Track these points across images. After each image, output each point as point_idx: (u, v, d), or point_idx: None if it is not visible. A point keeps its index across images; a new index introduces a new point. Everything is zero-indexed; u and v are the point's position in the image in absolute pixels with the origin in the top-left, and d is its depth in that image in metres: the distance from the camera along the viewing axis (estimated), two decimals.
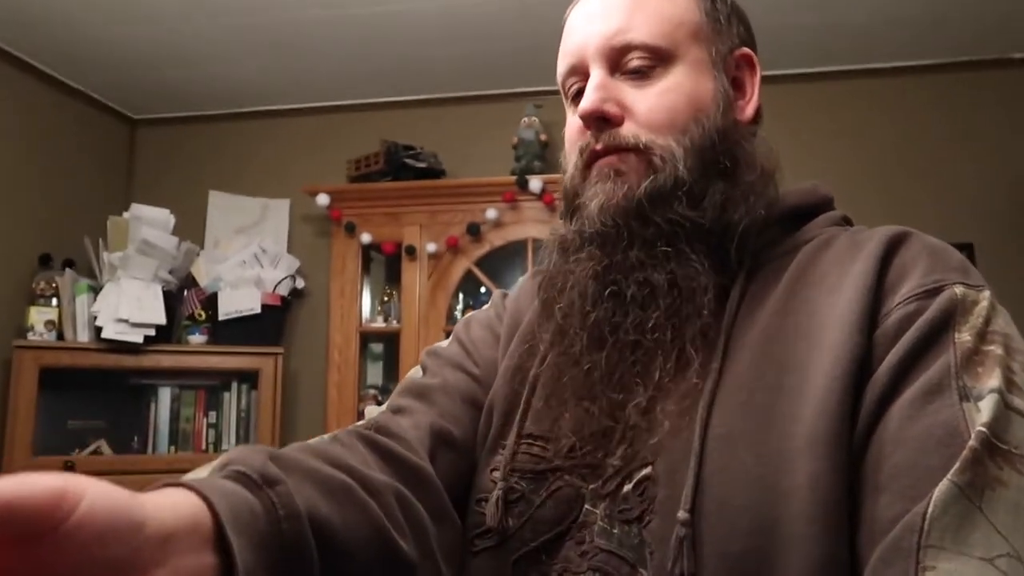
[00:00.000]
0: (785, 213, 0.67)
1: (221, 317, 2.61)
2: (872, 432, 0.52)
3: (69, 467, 2.37)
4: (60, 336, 2.47)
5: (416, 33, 2.45)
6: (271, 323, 2.71)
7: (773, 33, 2.46)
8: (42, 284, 2.51)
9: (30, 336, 2.43)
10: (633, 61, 0.64)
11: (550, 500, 0.62)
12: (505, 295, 0.82)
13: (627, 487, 0.58)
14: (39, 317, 2.46)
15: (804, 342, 0.57)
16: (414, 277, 2.63)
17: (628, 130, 0.64)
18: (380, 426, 0.65)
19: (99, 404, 2.57)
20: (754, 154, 0.66)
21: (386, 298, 2.75)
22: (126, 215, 2.56)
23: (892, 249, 0.59)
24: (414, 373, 0.77)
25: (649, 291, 0.61)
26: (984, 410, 0.49)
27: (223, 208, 3.00)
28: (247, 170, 3.05)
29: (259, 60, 2.63)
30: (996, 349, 0.52)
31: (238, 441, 2.63)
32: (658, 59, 0.64)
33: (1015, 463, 0.48)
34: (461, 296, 2.69)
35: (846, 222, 0.69)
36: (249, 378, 2.66)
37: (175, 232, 2.62)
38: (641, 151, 0.63)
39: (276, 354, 2.64)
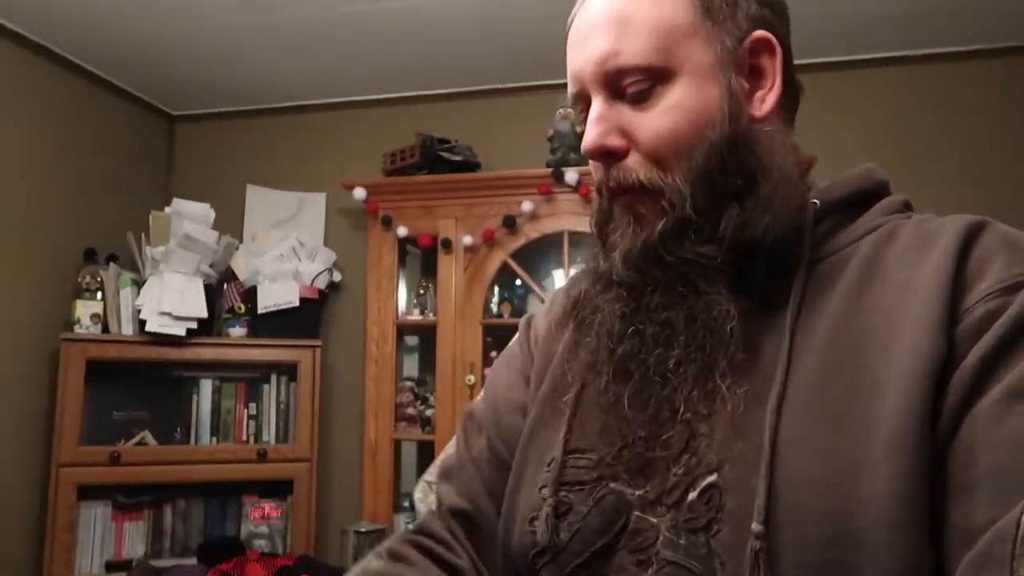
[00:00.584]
0: (840, 202, 0.64)
1: (260, 310, 2.65)
2: (956, 433, 0.50)
3: (115, 457, 2.42)
4: (105, 329, 2.52)
5: (450, 27, 2.45)
6: (309, 316, 2.74)
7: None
8: (87, 278, 2.56)
9: (76, 329, 2.48)
10: (630, 86, 0.61)
11: (596, 508, 0.61)
12: (530, 322, 0.82)
13: (692, 495, 0.57)
14: (85, 310, 2.51)
15: (876, 342, 0.55)
16: (450, 270, 2.64)
17: (634, 163, 0.62)
18: (425, 529, 0.77)
19: (143, 396, 2.62)
20: (771, 155, 0.61)
21: (422, 291, 2.76)
22: (168, 210, 2.60)
23: (968, 242, 0.56)
24: (450, 445, 0.84)
25: (669, 331, 0.60)
26: None
27: (260, 202, 3.04)
28: (284, 164, 3.08)
29: (295, 55, 2.65)
30: None
31: (278, 433, 2.67)
32: (655, 78, 0.60)
33: None
34: (497, 289, 2.69)
35: (907, 208, 0.66)
36: (288, 370, 2.69)
37: (214, 226, 2.66)
38: (650, 191, 0.61)
39: (314, 346, 2.67)
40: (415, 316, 2.75)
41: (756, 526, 0.52)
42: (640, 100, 0.61)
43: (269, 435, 2.66)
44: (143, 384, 2.62)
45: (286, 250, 2.78)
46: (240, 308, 2.68)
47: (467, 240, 2.61)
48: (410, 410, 2.68)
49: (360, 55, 2.66)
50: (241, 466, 2.56)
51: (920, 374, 0.52)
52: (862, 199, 0.65)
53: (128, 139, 2.97)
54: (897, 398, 0.51)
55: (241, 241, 2.88)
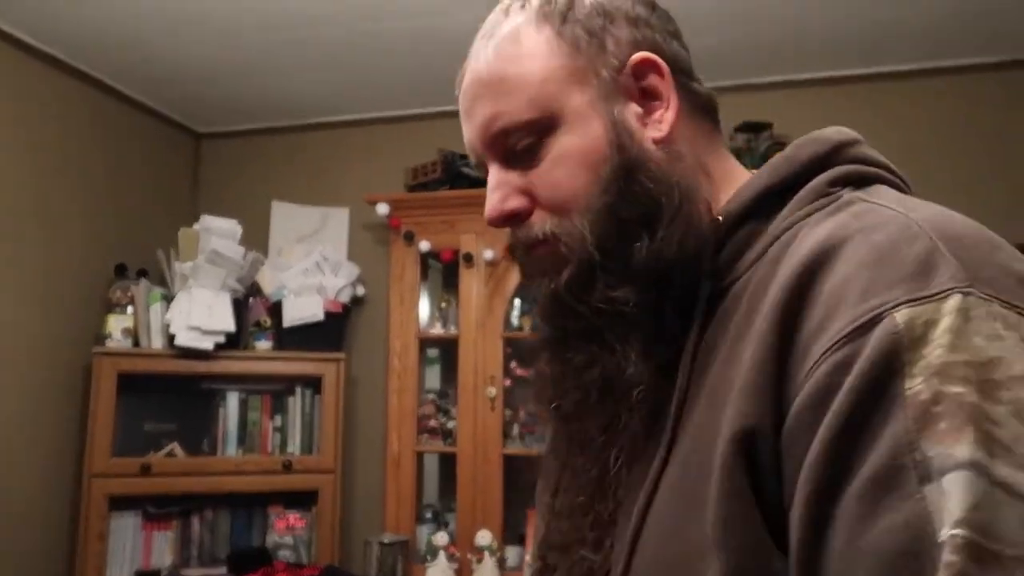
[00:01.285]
0: (748, 206, 0.56)
1: (286, 324, 2.70)
2: (815, 546, 0.41)
3: (145, 468, 2.48)
4: (136, 343, 2.59)
5: (468, 45, 2.49)
6: (333, 329, 2.79)
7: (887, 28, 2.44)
8: (118, 293, 2.63)
9: (108, 343, 2.54)
10: (518, 144, 0.59)
11: (572, 574, 0.59)
12: None
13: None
14: (116, 325, 2.57)
15: (719, 409, 0.49)
16: (471, 284, 2.68)
17: (537, 218, 0.60)
18: None
19: (171, 408, 2.68)
20: (669, 175, 0.57)
21: (444, 305, 2.81)
22: (196, 226, 2.67)
23: (816, 270, 0.46)
24: None
25: (586, 399, 0.57)
26: (955, 495, 0.36)
27: (285, 217, 3.10)
28: (308, 180, 3.15)
29: (318, 73, 2.71)
30: (964, 391, 0.38)
31: (302, 444, 2.71)
32: (539, 131, 0.58)
33: (1014, 571, 0.35)
34: (518, 302, 2.73)
35: (847, 182, 0.54)
36: (312, 383, 2.74)
37: (240, 242, 2.72)
38: (551, 242, 0.59)
39: (338, 360, 2.72)
40: (437, 330, 2.79)
41: None
42: (532, 156, 0.59)
43: (294, 447, 2.71)
44: (172, 397, 2.68)
45: (311, 265, 2.83)
46: (266, 322, 2.74)
47: (488, 254, 2.65)
48: (432, 422, 2.72)
49: (383, 73, 2.71)
50: (267, 477, 2.61)
51: (726, 458, 0.45)
52: (781, 192, 0.56)
53: (156, 157, 3.05)
54: (719, 481, 0.46)
55: (267, 256, 2.94)
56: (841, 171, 0.55)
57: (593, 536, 0.56)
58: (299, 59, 2.60)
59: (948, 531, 0.36)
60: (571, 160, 0.58)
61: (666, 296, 0.55)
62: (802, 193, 0.54)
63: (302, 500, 2.67)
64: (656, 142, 0.58)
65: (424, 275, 2.84)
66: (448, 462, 2.78)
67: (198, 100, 2.96)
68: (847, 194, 0.52)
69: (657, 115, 0.59)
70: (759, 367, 0.46)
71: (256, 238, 2.99)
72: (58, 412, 2.52)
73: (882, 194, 0.52)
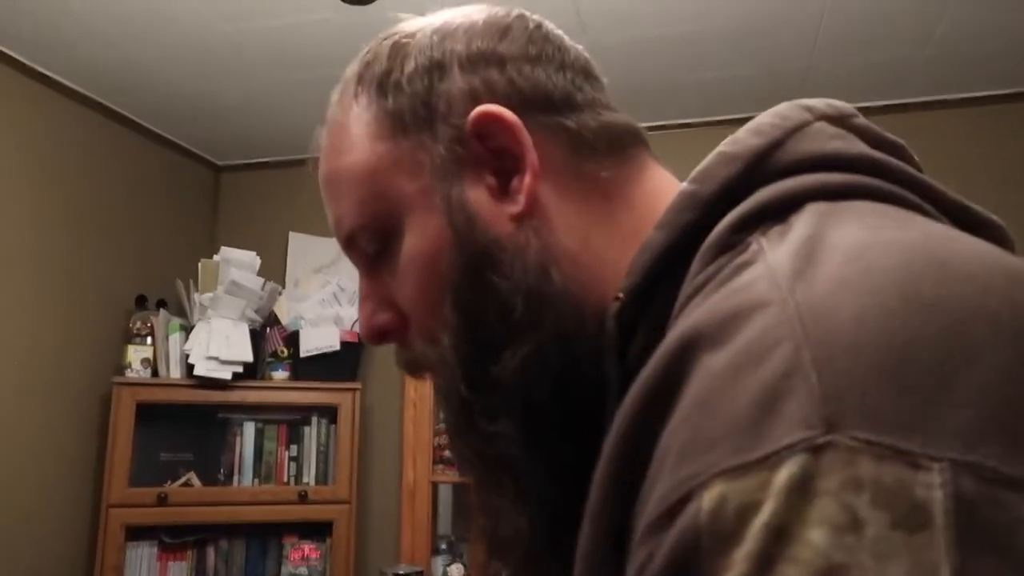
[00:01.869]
0: (650, 275, 0.42)
1: (303, 354, 2.73)
2: None
3: (162, 498, 2.49)
4: (155, 373, 2.61)
5: None
6: (349, 359, 2.81)
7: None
8: (138, 324, 2.66)
9: (128, 373, 2.57)
10: (369, 248, 0.50)
11: None
12: None
13: None
14: (136, 355, 2.60)
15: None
16: None
17: (413, 335, 0.49)
18: None
19: (189, 437, 2.70)
20: (525, 265, 0.44)
21: None
22: (216, 258, 2.71)
23: (652, 406, 0.34)
24: None
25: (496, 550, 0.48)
26: None
27: (302, 249, 3.14)
28: (324, 212, 3.18)
29: None
30: None
31: (317, 474, 2.72)
32: (380, 236, 0.48)
33: None
34: None
35: (781, 211, 0.38)
36: (328, 412, 2.76)
37: (258, 273, 2.76)
38: (428, 368, 0.49)
39: (354, 389, 2.74)
40: None
41: None
42: (387, 263, 0.49)
43: (309, 477, 2.72)
44: (189, 426, 2.70)
45: (327, 295, 2.87)
46: (283, 352, 2.76)
47: None
48: (447, 452, 2.73)
49: None
50: (282, 507, 2.62)
51: None
52: (687, 249, 0.40)
53: (176, 190, 3.10)
54: None
55: (284, 287, 2.97)
56: (753, 204, 0.39)
57: None
58: (316, 95, 2.64)
59: None
60: (415, 268, 0.47)
61: (554, 416, 0.44)
62: (700, 252, 0.39)
63: (317, 530, 2.67)
64: (514, 219, 0.45)
65: None
66: (463, 492, 2.78)
67: (217, 134, 3.02)
68: (756, 241, 0.36)
69: (516, 181, 0.46)
70: (589, 538, 0.36)
71: (273, 269, 3.03)
72: (77, 441, 2.54)
73: (796, 236, 0.35)
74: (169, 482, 2.58)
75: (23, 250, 2.39)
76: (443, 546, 2.74)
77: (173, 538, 2.59)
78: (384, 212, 0.48)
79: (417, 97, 0.48)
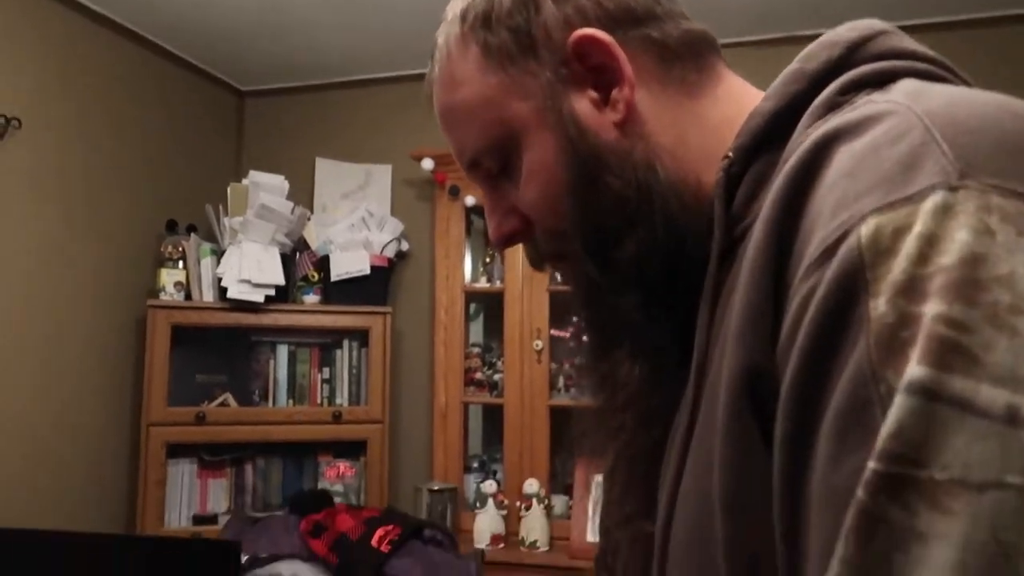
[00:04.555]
0: (755, 138, 0.49)
1: (333, 278, 2.74)
2: (790, 495, 0.37)
3: (200, 417, 2.55)
4: (188, 296, 2.64)
5: None
6: (379, 284, 2.82)
7: None
8: (170, 248, 2.68)
9: (162, 296, 2.60)
10: (492, 169, 0.57)
11: (634, 549, 0.57)
12: None
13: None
14: (169, 278, 2.62)
15: (722, 348, 0.45)
16: None
17: (539, 235, 0.58)
18: None
19: (223, 360, 2.74)
20: (633, 163, 0.52)
21: (488, 259, 2.83)
22: (245, 182, 2.70)
23: (801, 184, 0.41)
24: None
25: (620, 396, 0.56)
26: (888, 422, 0.31)
27: (329, 174, 3.12)
28: (351, 137, 3.16)
29: (361, 30, 2.70)
30: (934, 304, 0.32)
31: (350, 396, 2.77)
32: (502, 153, 0.55)
33: (940, 497, 0.30)
34: None
35: (875, 83, 0.45)
36: (359, 336, 2.79)
37: (286, 198, 2.75)
38: (557, 259, 0.59)
39: (384, 313, 2.76)
40: (482, 284, 2.82)
41: None
42: (510, 177, 0.56)
43: (342, 398, 2.77)
44: (223, 349, 2.74)
45: (356, 220, 2.86)
46: (313, 276, 2.78)
47: None
48: (478, 375, 2.76)
49: (425, 28, 2.70)
50: (317, 427, 2.67)
51: (727, 413, 0.42)
52: (792, 113, 0.47)
53: (200, 114, 3.08)
54: (720, 438, 0.42)
55: (312, 212, 2.97)
56: (855, 74, 0.46)
57: (648, 508, 0.54)
58: (342, 16, 2.60)
59: (869, 465, 0.32)
60: (537, 178, 0.54)
61: (670, 286, 0.52)
62: (811, 110, 0.46)
63: (351, 449, 2.73)
64: (618, 125, 0.53)
65: (467, 230, 2.86)
66: (493, 414, 2.82)
67: (241, 58, 2.98)
68: (863, 99, 0.44)
69: (616, 93, 0.53)
70: (750, 300, 0.41)
71: (300, 195, 3.02)
72: (115, 363, 2.59)
73: (902, 88, 0.43)
74: (206, 403, 2.63)
75: (52, 175, 2.39)
76: (475, 465, 2.79)
77: (212, 456, 2.66)
78: (503, 134, 0.55)
79: (519, 31, 0.54)
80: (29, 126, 2.28)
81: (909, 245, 0.34)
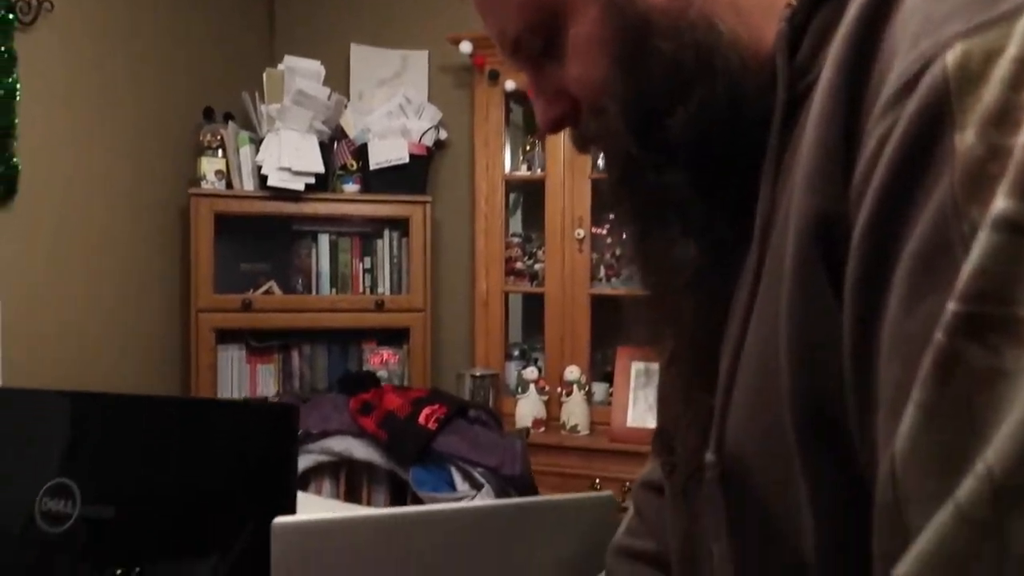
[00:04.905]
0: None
1: (372, 167, 2.71)
2: (863, 340, 0.36)
3: (247, 304, 2.59)
4: (228, 185, 2.64)
5: None
6: (418, 172, 2.79)
7: None
8: (208, 136, 2.66)
9: (203, 185, 2.60)
10: (535, 50, 0.53)
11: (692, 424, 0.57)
12: None
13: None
14: (209, 167, 2.62)
15: (787, 204, 0.42)
16: None
17: (584, 115, 0.54)
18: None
19: (265, 249, 2.77)
20: (685, 24, 0.48)
21: (529, 147, 2.77)
22: (280, 67, 2.64)
23: (874, 18, 0.37)
24: None
25: (671, 280, 0.53)
26: (971, 260, 0.30)
27: (364, 61, 3.04)
28: (386, 21, 3.06)
29: None
30: None
31: (392, 285, 2.79)
32: (546, 32, 0.52)
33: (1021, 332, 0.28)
34: None
35: None
36: (399, 225, 2.78)
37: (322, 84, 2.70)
38: (600, 140, 0.54)
39: (424, 202, 2.74)
40: (523, 172, 2.77)
41: (709, 456, 0.48)
42: (554, 56, 0.53)
43: (384, 287, 2.79)
44: (265, 238, 2.76)
45: (393, 108, 2.80)
46: (352, 166, 2.75)
47: None
48: (518, 264, 2.75)
49: None
50: (360, 315, 2.71)
51: (804, 252, 0.39)
52: None
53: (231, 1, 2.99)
54: (788, 288, 0.40)
55: (348, 100, 2.92)
56: None
57: (708, 385, 0.53)
58: None
59: (951, 302, 0.30)
60: (583, 52, 0.51)
61: (725, 155, 0.48)
62: None
63: (394, 337, 2.78)
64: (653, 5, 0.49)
65: (507, 116, 2.79)
66: (532, 303, 2.83)
67: None
68: None
69: None
70: (821, 145, 0.39)
71: (336, 83, 2.95)
72: (162, 251, 2.63)
73: None
74: (252, 291, 2.67)
75: (86, 60, 2.35)
76: (515, 353, 2.83)
77: (259, 342, 2.72)
78: (546, 9, 0.51)
79: None
80: (61, 9, 2.23)
81: (1002, 69, 0.30)
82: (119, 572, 0.81)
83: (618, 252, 2.67)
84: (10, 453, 0.82)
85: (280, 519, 0.67)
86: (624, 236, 0.57)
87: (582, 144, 0.58)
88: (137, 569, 0.81)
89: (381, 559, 0.70)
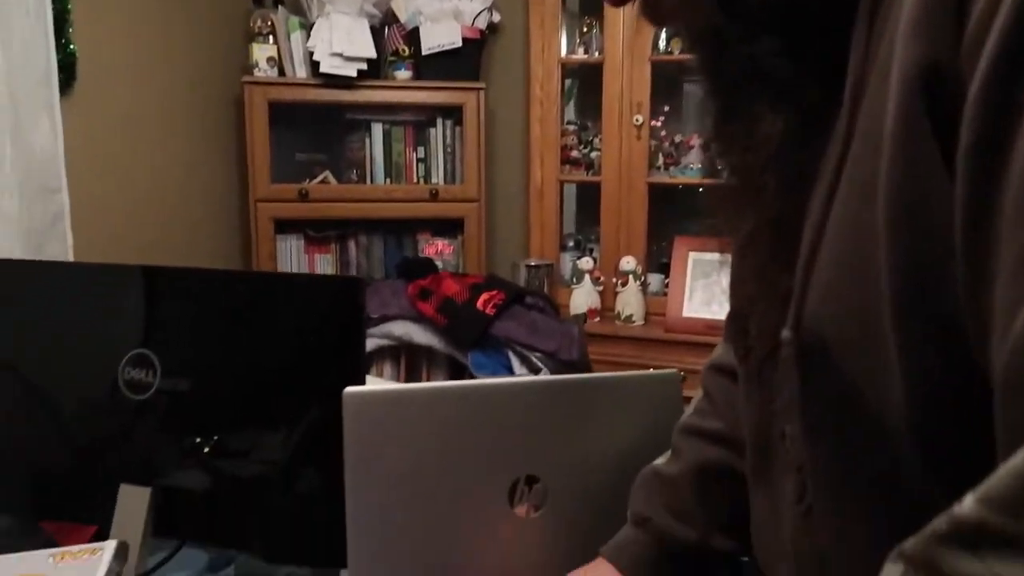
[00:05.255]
0: None
1: (424, 52, 2.64)
2: (980, 203, 0.33)
3: (303, 194, 2.61)
4: (281, 72, 2.61)
5: None
6: (471, 58, 2.71)
7: None
8: (259, 22, 2.61)
9: (256, 72, 2.57)
10: None
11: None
12: None
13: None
14: (261, 54, 2.58)
15: (888, 66, 0.39)
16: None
17: None
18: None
19: (320, 139, 2.76)
20: None
21: (586, 29, 2.65)
22: None
23: None
24: None
25: (757, 150, 0.50)
26: None
27: None
28: None
29: None
30: None
31: (446, 175, 2.77)
32: None
33: None
34: None
35: None
36: (453, 114, 2.73)
37: None
38: (678, 11, 0.51)
39: (478, 89, 2.67)
40: (579, 55, 2.66)
41: (786, 333, 0.47)
42: None
43: (438, 177, 2.77)
44: (319, 128, 2.75)
45: None
46: (404, 51, 2.68)
47: None
48: (574, 153, 2.69)
49: None
50: (414, 204, 2.71)
51: (900, 113, 0.36)
52: None
53: None
54: (888, 148, 0.38)
55: None
56: None
57: (789, 265, 0.51)
58: None
59: None
60: None
61: (816, 10, 0.45)
62: None
63: (449, 228, 2.78)
64: None
65: None
66: (588, 193, 2.79)
67: None
68: None
69: None
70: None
71: None
72: (218, 141, 2.64)
73: None
74: (308, 180, 2.68)
75: None
76: (570, 244, 2.81)
77: (316, 232, 2.75)
78: None
79: None
80: None
81: None
82: (197, 440, 0.84)
83: (677, 140, 2.59)
84: (94, 323, 0.85)
85: (351, 388, 0.69)
86: (707, 112, 0.53)
87: (658, 19, 0.53)
88: (214, 438, 0.84)
89: (449, 430, 0.71)
